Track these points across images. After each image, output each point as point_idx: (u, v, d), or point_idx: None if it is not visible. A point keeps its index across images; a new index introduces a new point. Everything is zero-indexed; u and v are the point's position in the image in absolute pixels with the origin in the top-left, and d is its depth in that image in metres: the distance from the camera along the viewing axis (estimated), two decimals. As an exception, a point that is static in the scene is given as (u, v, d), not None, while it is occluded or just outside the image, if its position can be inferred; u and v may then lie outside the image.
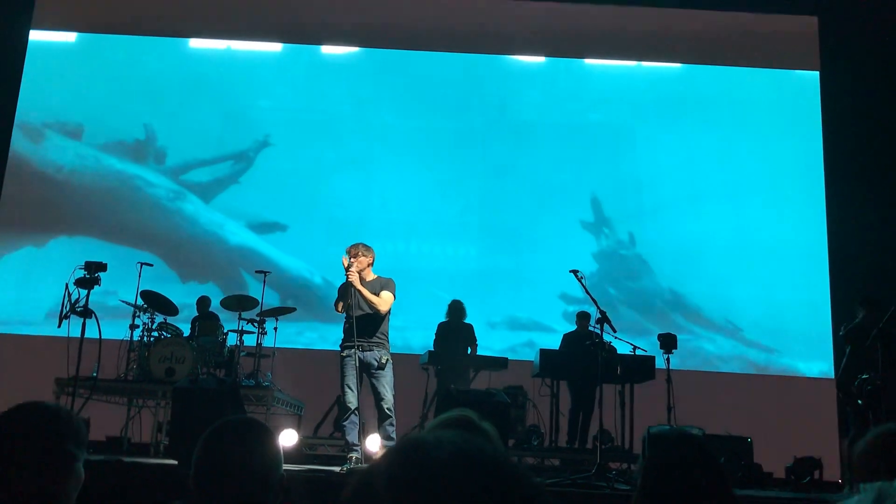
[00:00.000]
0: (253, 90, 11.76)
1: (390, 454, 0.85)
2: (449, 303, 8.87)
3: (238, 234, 11.34)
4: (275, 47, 11.77)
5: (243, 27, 11.58)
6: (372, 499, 0.81)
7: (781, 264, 10.70)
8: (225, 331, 8.23)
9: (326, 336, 9.58)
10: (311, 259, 10.98)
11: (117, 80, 11.58)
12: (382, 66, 11.60)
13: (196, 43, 11.75)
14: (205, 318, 8.49)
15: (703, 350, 10.74)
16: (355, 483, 0.85)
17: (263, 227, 11.31)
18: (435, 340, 8.69)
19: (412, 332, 9.54)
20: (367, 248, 6.43)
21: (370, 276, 6.42)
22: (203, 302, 8.73)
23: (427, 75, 11.54)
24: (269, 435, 2.02)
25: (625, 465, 7.79)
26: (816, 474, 7.14)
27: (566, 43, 11.37)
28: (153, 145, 11.62)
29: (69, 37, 11.69)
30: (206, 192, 11.56)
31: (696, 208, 11.05)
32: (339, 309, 6.39)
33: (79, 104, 11.50)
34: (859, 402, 6.10)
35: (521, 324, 10.70)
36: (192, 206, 11.51)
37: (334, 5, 11.64)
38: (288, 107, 11.70)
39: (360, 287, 6.23)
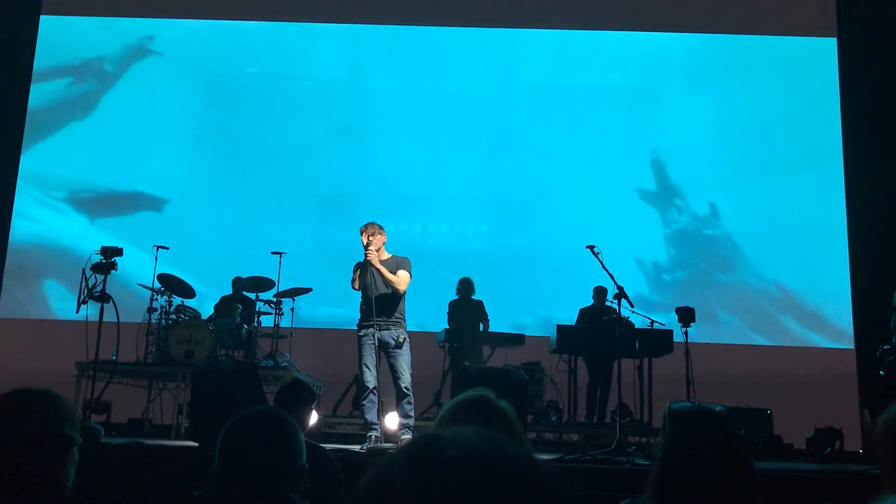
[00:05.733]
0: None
1: (407, 449, 0.83)
2: (458, 280, 8.86)
3: (43, 222, 9.16)
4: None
5: (227, 6, 10.80)
6: (389, 493, 0.79)
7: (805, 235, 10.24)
8: (241, 312, 8.23)
9: (345, 315, 9.42)
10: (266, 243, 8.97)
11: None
12: (377, 33, 10.85)
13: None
14: (234, 300, 8.41)
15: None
16: (374, 473, 0.83)
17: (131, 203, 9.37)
18: (448, 319, 8.71)
19: (416, 319, 8.95)
20: (381, 227, 6.43)
21: (384, 255, 6.41)
22: (236, 283, 8.66)
23: (426, 41, 10.71)
24: (289, 426, 2.03)
25: (644, 440, 7.78)
26: (837, 445, 7.10)
27: (576, 15, 10.90)
28: None
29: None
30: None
31: (732, 183, 10.28)
32: (356, 287, 6.39)
33: None
34: (881, 373, 6.05)
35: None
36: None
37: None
38: (275, 73, 10.68)
39: (379, 266, 6.23)
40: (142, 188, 10.40)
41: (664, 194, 10.41)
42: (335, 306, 9.32)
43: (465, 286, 8.81)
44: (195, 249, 9.76)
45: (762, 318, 9.82)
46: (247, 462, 1.92)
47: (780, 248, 10.03)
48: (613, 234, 9.53)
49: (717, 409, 2.31)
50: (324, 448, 3.86)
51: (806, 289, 9.93)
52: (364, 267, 6.28)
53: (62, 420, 1.91)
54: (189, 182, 10.55)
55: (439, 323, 8.79)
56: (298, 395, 3.90)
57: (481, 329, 8.73)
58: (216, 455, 1.96)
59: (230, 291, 8.60)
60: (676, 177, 10.45)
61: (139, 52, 10.33)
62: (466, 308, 8.72)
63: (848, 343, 9.78)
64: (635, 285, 9.26)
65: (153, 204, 10.43)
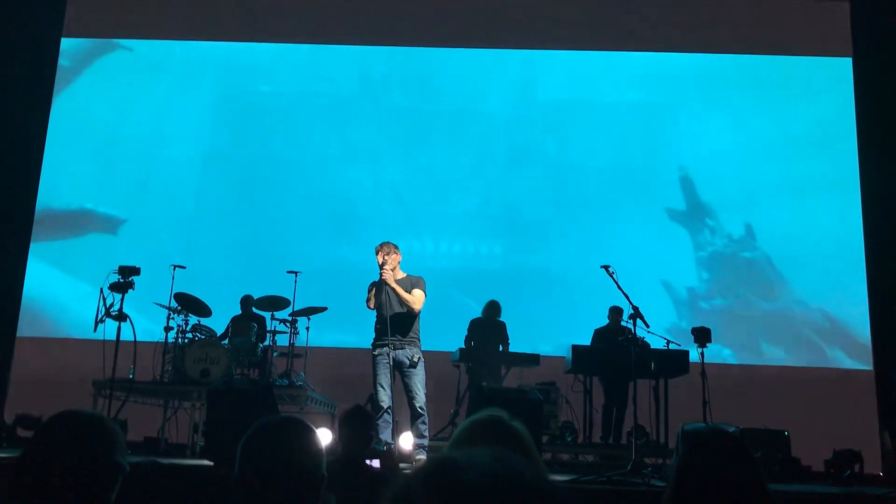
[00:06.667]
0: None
1: (423, 471, 0.84)
2: (486, 301, 8.86)
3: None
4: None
5: (242, 28, 10.77)
6: None
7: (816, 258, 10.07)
8: (256, 331, 8.26)
9: (358, 335, 9.39)
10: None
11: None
12: (390, 51, 10.76)
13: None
14: (247, 319, 8.47)
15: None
16: (391, 495, 0.83)
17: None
18: (467, 337, 8.70)
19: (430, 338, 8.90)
20: (396, 246, 6.45)
21: (399, 274, 6.44)
22: (246, 301, 8.73)
23: (439, 59, 10.62)
24: (309, 433, 2.04)
25: (660, 461, 7.72)
26: (857, 467, 7.02)
27: (592, 37, 10.82)
28: None
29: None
30: None
31: (752, 205, 10.14)
32: (371, 306, 6.42)
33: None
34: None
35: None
36: None
37: (340, 8, 10.85)
38: (287, 91, 10.61)
39: (394, 285, 6.25)
40: (93, 206, 10.33)
41: (689, 214, 10.24)
42: (344, 332, 9.24)
43: (493, 308, 8.83)
44: (205, 268, 9.61)
45: (809, 349, 9.53)
46: (267, 468, 1.93)
47: (815, 272, 9.78)
48: (636, 255, 9.45)
49: (731, 430, 2.29)
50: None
51: (852, 316, 9.62)
52: (379, 286, 6.31)
53: (115, 447, 1.93)
54: (199, 200, 10.55)
55: (453, 342, 8.76)
56: (362, 419, 4.24)
57: (501, 350, 8.72)
58: (237, 461, 1.97)
59: (239, 310, 8.66)
60: (704, 195, 10.26)
61: (104, 45, 10.23)
62: (489, 328, 8.71)
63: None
64: (663, 310, 9.22)
65: (105, 224, 10.36)
